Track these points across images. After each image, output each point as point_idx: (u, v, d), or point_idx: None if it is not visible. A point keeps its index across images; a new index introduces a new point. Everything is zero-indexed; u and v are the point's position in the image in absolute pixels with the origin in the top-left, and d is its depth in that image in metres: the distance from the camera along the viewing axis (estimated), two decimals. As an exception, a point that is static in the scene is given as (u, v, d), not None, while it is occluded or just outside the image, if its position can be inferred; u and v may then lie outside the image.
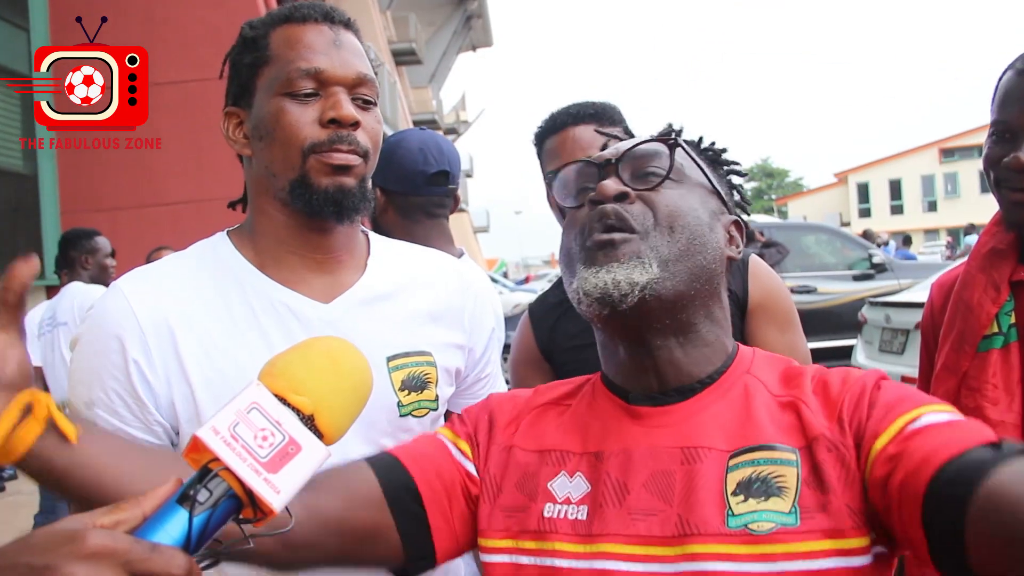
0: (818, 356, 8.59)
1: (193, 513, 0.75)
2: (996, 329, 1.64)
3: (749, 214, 1.31)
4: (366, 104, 1.38)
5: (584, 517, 1.07)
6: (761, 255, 1.66)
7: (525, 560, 1.09)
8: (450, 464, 1.17)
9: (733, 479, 1.01)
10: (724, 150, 1.30)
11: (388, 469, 1.13)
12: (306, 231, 1.38)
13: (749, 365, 1.15)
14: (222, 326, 1.32)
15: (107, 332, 1.30)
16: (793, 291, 9.52)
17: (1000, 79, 1.63)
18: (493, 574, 1.11)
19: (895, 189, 50.42)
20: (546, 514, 1.09)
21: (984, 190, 1.63)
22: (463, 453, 1.18)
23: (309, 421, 0.83)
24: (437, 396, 1.46)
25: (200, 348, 1.31)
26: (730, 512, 0.99)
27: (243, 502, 0.78)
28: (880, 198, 50.65)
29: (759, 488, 1.00)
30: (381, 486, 1.11)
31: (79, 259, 5.14)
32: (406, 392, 1.42)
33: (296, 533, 0.99)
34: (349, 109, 1.32)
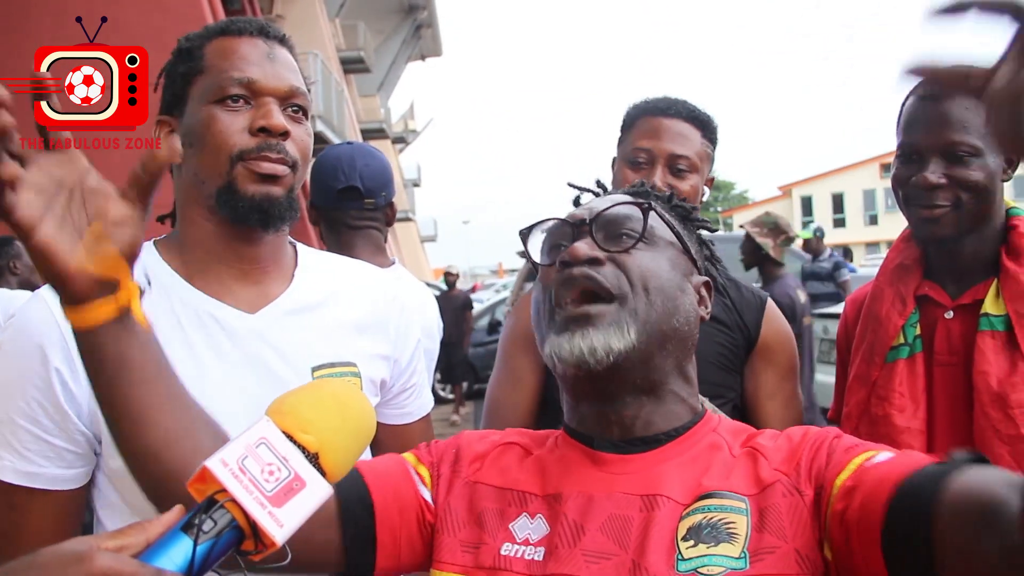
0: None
1: (197, 541, 0.77)
2: (903, 340, 1.74)
3: (719, 272, 1.35)
4: (297, 115, 1.40)
5: (540, 559, 1.08)
6: None
7: None
8: (409, 487, 1.18)
9: (684, 525, 1.04)
10: (694, 208, 1.32)
11: (347, 480, 1.11)
12: (233, 240, 1.39)
13: (716, 425, 1.17)
14: None
15: (29, 340, 1.29)
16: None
17: (904, 104, 1.74)
18: None
19: (838, 203, 51.37)
20: (503, 552, 1.10)
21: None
22: (421, 479, 1.20)
23: (314, 459, 0.86)
24: None
25: None
26: (680, 557, 1.02)
27: (245, 534, 0.80)
28: (823, 211, 51.51)
29: (709, 534, 1.02)
30: (337, 496, 1.11)
31: (7, 266, 4.95)
32: None
33: None
34: (279, 118, 1.34)
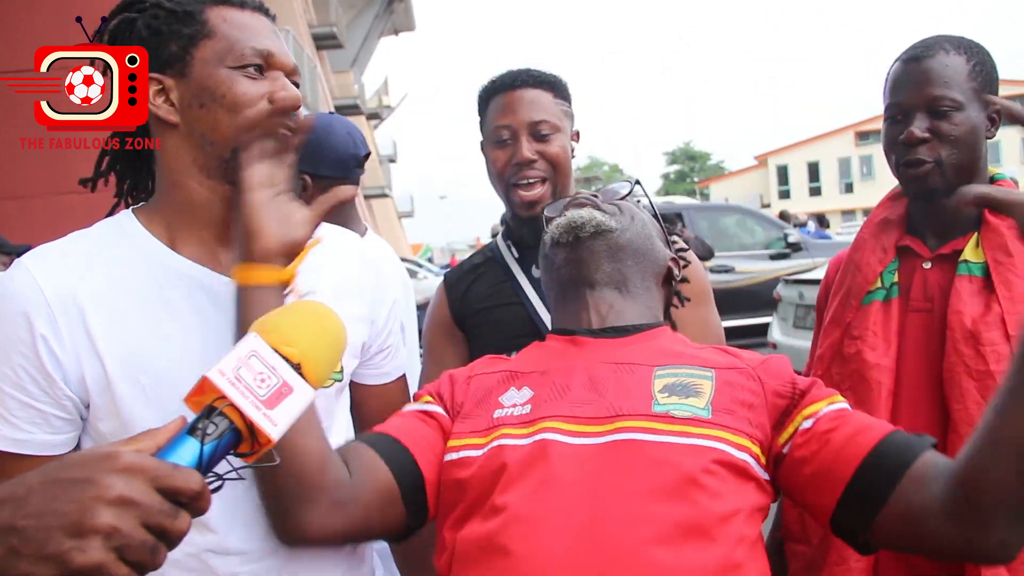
0: (736, 334, 8.81)
1: (204, 442, 0.88)
2: (880, 285, 1.83)
3: (681, 271, 1.70)
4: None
5: (529, 411, 1.33)
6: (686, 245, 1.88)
7: (472, 453, 1.32)
8: (436, 437, 1.39)
9: (659, 383, 1.31)
10: (667, 217, 1.59)
11: (399, 459, 1.35)
12: (227, 205, 1.37)
13: (674, 332, 1.42)
14: (130, 301, 1.32)
15: (13, 309, 1.29)
16: (712, 271, 9.71)
17: (890, 71, 1.84)
18: (446, 473, 1.34)
19: (813, 171, 51.55)
20: (495, 416, 1.35)
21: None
22: (438, 415, 1.43)
23: (297, 368, 0.97)
24: (342, 368, 1.50)
25: (109, 322, 1.31)
26: (656, 401, 1.27)
27: (243, 436, 0.91)
28: (799, 180, 51.76)
29: (681, 390, 1.29)
30: (391, 470, 1.33)
31: None
32: None
33: (344, 492, 1.27)
34: (295, 92, 1.38)
